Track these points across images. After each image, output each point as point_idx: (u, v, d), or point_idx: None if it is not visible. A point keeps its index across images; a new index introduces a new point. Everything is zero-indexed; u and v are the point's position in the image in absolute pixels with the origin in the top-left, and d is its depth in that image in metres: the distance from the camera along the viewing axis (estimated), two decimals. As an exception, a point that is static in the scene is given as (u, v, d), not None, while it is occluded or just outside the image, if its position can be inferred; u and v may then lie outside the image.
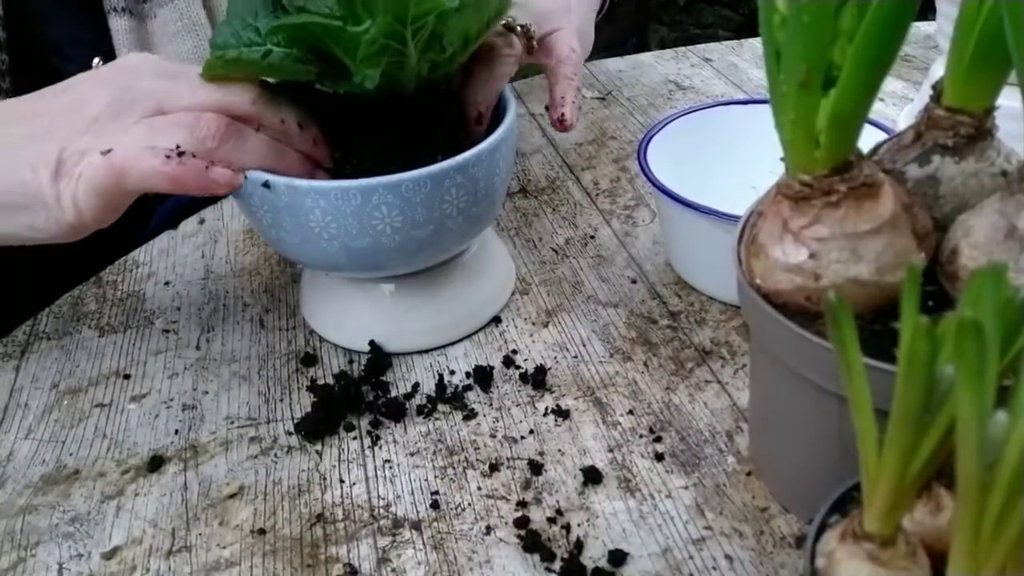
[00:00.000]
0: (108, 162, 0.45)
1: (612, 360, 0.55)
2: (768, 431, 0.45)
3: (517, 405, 0.52)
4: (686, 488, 0.46)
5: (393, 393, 0.53)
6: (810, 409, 0.39)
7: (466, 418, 0.51)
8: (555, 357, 0.55)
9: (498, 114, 0.55)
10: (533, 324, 0.58)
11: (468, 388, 0.53)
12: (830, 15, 0.32)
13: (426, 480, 0.47)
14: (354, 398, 0.52)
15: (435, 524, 0.45)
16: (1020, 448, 0.22)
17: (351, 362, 0.56)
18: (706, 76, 0.91)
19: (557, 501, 0.46)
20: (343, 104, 0.49)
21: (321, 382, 0.54)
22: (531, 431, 0.50)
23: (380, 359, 0.55)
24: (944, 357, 0.25)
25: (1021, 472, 0.23)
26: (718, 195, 0.54)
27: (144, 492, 0.48)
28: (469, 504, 0.46)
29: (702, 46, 0.99)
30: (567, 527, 0.44)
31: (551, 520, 0.45)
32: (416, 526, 0.45)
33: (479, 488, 0.47)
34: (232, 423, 0.52)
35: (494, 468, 0.48)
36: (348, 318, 0.57)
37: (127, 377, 0.56)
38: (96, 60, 0.66)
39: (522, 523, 0.44)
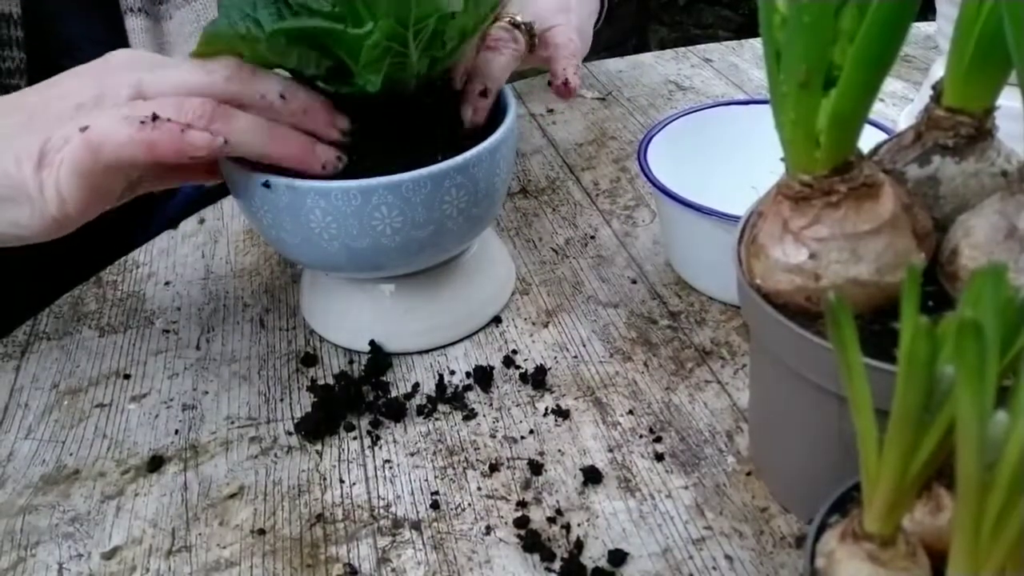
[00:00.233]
0: (85, 139, 0.43)
1: (612, 360, 0.55)
2: (768, 431, 0.45)
3: (517, 405, 0.52)
4: (686, 488, 0.46)
5: (393, 393, 0.53)
6: (810, 409, 0.39)
7: (466, 418, 0.51)
8: (555, 357, 0.55)
9: (499, 114, 0.55)
10: (533, 324, 0.58)
11: (468, 388, 0.53)
12: (830, 15, 0.32)
13: (426, 480, 0.47)
14: (354, 398, 0.52)
15: (435, 524, 0.45)
16: (1020, 448, 0.22)
17: (351, 362, 0.56)
18: (706, 76, 0.91)
19: (557, 501, 0.46)
20: (342, 103, 0.49)
21: (321, 382, 0.54)
22: (531, 431, 0.50)
23: (380, 359, 0.55)
24: (944, 357, 0.25)
25: (1021, 472, 0.23)
26: (718, 195, 0.54)
27: (144, 492, 0.48)
28: (469, 504, 0.46)
29: (702, 46, 0.99)
30: (567, 527, 0.44)
31: (551, 520, 0.45)
32: (416, 526, 0.45)
33: (479, 488, 0.47)
34: (232, 423, 0.52)
35: (494, 468, 0.48)
36: (348, 318, 0.57)
37: (127, 377, 0.56)
38: None
39: (522, 523, 0.44)
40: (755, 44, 0.98)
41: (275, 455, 0.50)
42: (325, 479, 0.48)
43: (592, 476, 0.46)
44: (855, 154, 0.36)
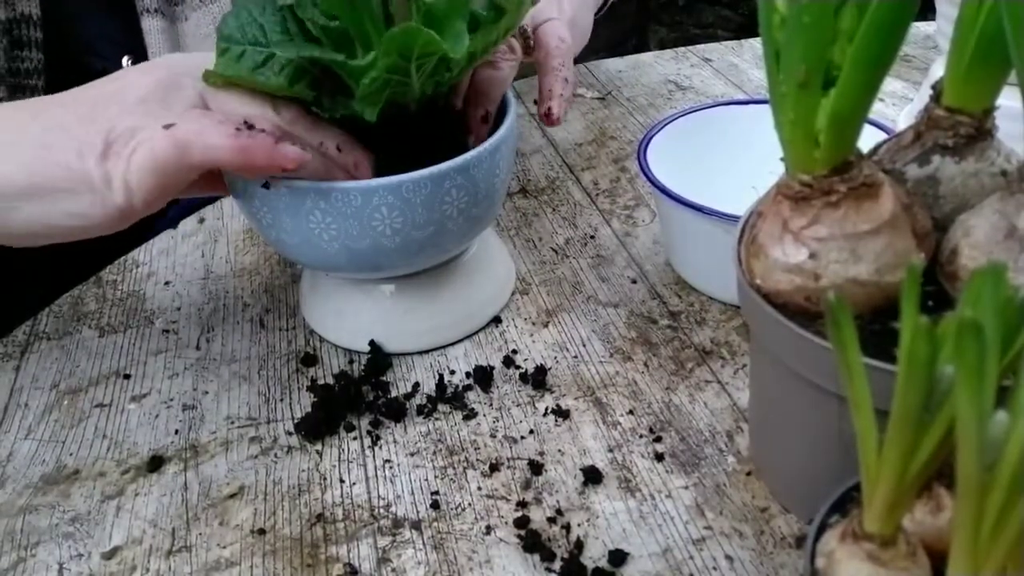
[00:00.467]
0: (172, 135, 0.43)
1: (612, 360, 0.55)
2: (768, 431, 0.45)
3: (517, 405, 0.52)
4: (686, 488, 0.46)
5: (393, 393, 0.53)
6: (810, 409, 0.39)
7: (466, 418, 0.51)
8: (555, 357, 0.55)
9: (498, 115, 0.55)
10: (533, 324, 0.58)
11: (468, 388, 0.53)
12: (830, 15, 0.32)
13: (426, 480, 0.47)
14: (354, 398, 0.52)
15: (435, 524, 0.45)
16: (1020, 448, 0.22)
17: (351, 362, 0.56)
18: (706, 76, 0.91)
19: (557, 501, 0.46)
20: (344, 122, 0.49)
21: (321, 382, 0.54)
22: (531, 431, 0.50)
23: (380, 359, 0.55)
24: (944, 357, 0.25)
25: (1021, 472, 0.23)
26: (718, 195, 0.54)
27: (144, 492, 0.48)
28: (469, 504, 0.46)
29: (702, 46, 0.99)
30: (567, 527, 0.44)
31: (551, 520, 0.45)
32: (416, 526, 0.45)
33: (479, 488, 0.47)
34: (232, 423, 0.52)
35: (494, 468, 0.48)
36: (348, 318, 0.57)
37: (127, 377, 0.56)
38: (126, 59, 0.67)
39: (522, 523, 0.44)
40: (755, 44, 0.98)
41: (275, 455, 0.50)
42: (325, 479, 0.48)
43: (592, 476, 0.46)
44: (855, 154, 0.36)
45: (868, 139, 0.38)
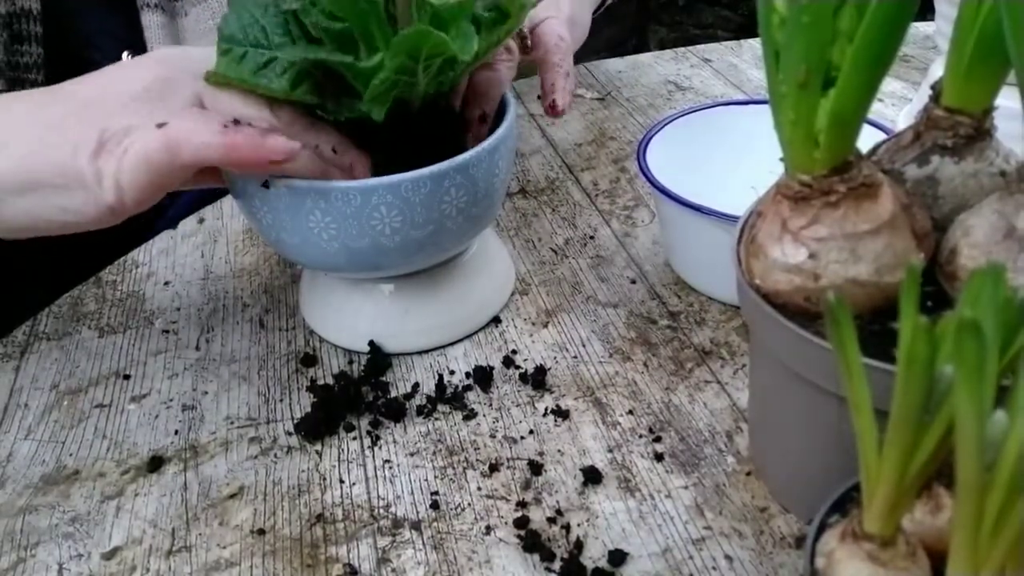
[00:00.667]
0: (163, 135, 0.43)
1: (612, 360, 0.55)
2: (768, 431, 0.45)
3: (517, 405, 0.52)
4: (686, 488, 0.46)
5: (393, 393, 0.53)
6: (810, 409, 0.39)
7: (466, 418, 0.51)
8: (555, 357, 0.55)
9: (498, 115, 0.55)
10: (533, 324, 0.58)
11: (468, 388, 0.53)
12: (829, 15, 0.32)
13: (426, 480, 0.47)
14: (354, 398, 0.52)
15: (435, 524, 0.45)
16: (1019, 448, 0.22)
17: (351, 362, 0.56)
18: (705, 77, 0.91)
19: (557, 501, 0.46)
20: (347, 123, 0.49)
21: (321, 382, 0.54)
22: (531, 431, 0.50)
23: (380, 359, 0.55)
24: (943, 357, 0.25)
25: (1020, 472, 0.23)
26: (717, 195, 0.54)
27: (144, 492, 0.48)
28: (469, 504, 0.46)
29: (701, 47, 0.99)
30: (567, 527, 0.44)
31: (551, 520, 0.45)
32: (416, 526, 0.45)
33: (479, 488, 0.47)
34: (232, 423, 0.52)
35: (494, 468, 0.48)
36: (348, 318, 0.57)
37: (127, 377, 0.56)
38: (125, 54, 0.67)
39: (522, 523, 0.44)
40: (754, 44, 0.98)
41: (275, 455, 0.50)
42: (325, 479, 0.48)
43: (592, 476, 0.46)
44: (854, 154, 0.36)
45: (868, 139, 0.38)
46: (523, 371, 0.54)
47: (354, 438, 0.51)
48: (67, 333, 0.60)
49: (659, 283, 0.61)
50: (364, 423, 0.51)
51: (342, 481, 0.48)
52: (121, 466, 0.50)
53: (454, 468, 0.48)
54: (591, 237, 0.67)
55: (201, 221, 0.72)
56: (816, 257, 0.36)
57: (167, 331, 0.60)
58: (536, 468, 0.47)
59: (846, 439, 0.30)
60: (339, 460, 0.49)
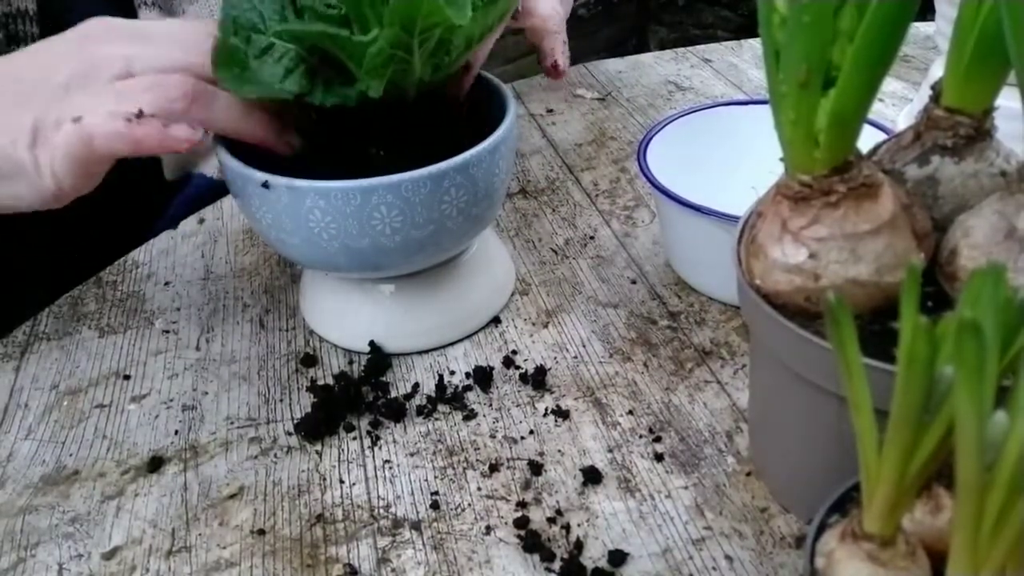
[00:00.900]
0: (79, 130, 0.45)
1: (612, 360, 0.55)
2: (768, 431, 0.45)
3: (517, 405, 0.52)
4: (686, 488, 0.46)
5: (393, 393, 0.53)
6: (810, 409, 0.39)
7: (466, 418, 0.51)
8: (555, 357, 0.55)
9: (498, 114, 0.55)
10: (533, 324, 0.58)
11: (468, 388, 0.53)
12: (830, 15, 0.32)
13: (426, 480, 0.47)
14: (354, 398, 0.52)
15: (435, 524, 0.45)
16: (1019, 448, 0.22)
17: (351, 362, 0.56)
18: (706, 77, 0.91)
19: (557, 501, 0.46)
20: (342, 110, 0.49)
21: (321, 382, 0.54)
22: (531, 431, 0.50)
23: (380, 359, 0.55)
24: (944, 357, 0.25)
25: (1020, 472, 0.23)
26: (718, 195, 0.54)
27: (144, 492, 0.48)
28: (469, 504, 0.46)
29: (702, 47, 0.99)
30: (567, 527, 0.44)
31: (551, 520, 0.45)
32: (416, 526, 0.45)
33: (479, 488, 0.47)
34: (232, 423, 0.52)
35: (494, 468, 0.48)
36: (348, 318, 0.57)
37: (127, 377, 0.56)
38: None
39: (522, 523, 0.44)
40: (754, 44, 0.98)
41: (275, 455, 0.50)
42: (325, 479, 0.48)
43: (592, 476, 0.46)
44: (854, 154, 0.36)
45: (868, 139, 0.38)
46: (523, 371, 0.54)
47: (354, 438, 0.51)
48: (67, 333, 0.60)
49: (659, 283, 0.61)
50: (364, 423, 0.51)
51: (342, 481, 0.48)
52: (121, 466, 0.50)
53: (454, 468, 0.48)
54: (591, 237, 0.67)
55: (201, 221, 0.72)
56: (816, 257, 0.36)
57: (167, 331, 0.60)
58: (536, 468, 0.47)
59: (846, 439, 0.30)
60: (339, 460, 0.49)
